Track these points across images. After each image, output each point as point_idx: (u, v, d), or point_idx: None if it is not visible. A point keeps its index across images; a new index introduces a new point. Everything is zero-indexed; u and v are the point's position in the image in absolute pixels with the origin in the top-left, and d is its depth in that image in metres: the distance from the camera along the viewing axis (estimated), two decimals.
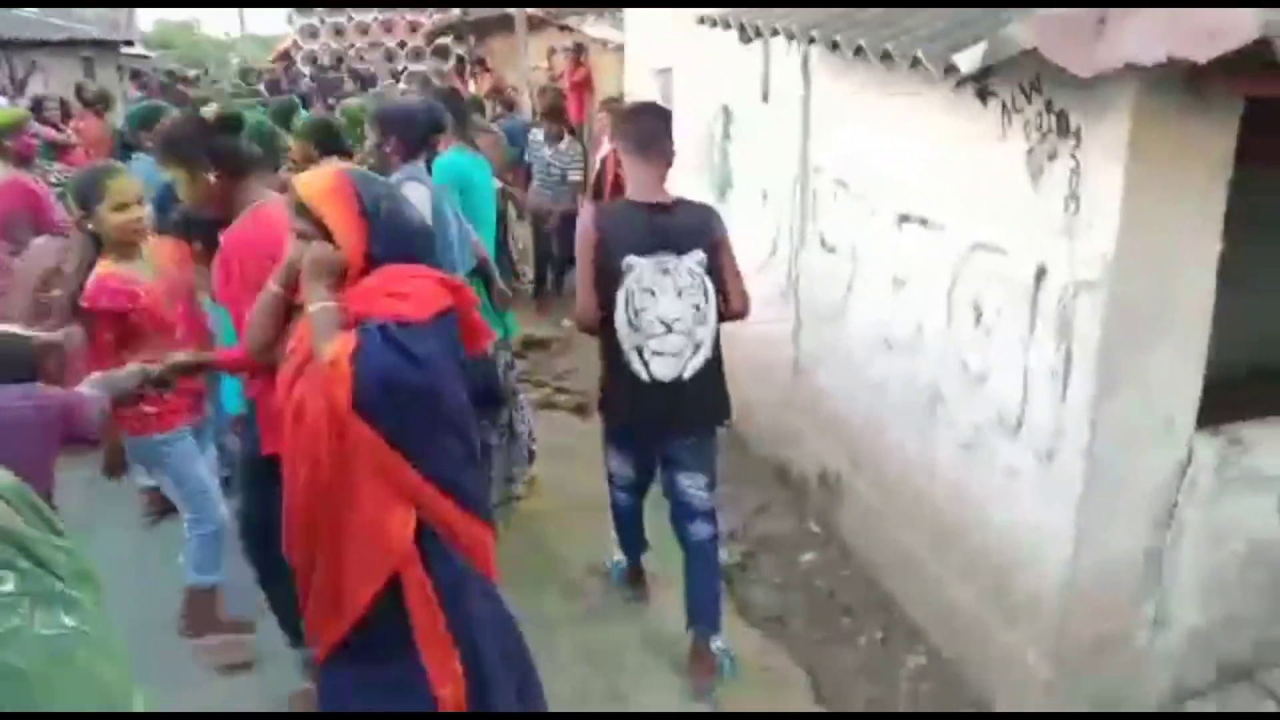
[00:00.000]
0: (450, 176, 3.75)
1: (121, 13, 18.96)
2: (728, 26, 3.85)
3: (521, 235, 7.94)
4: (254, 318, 2.21)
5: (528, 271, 8.34)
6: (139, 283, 2.91)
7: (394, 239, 2.04)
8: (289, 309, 2.16)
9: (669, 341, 2.89)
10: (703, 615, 3.10)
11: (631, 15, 7.35)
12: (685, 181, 5.40)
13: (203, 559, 3.19)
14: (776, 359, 4.46)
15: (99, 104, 7.87)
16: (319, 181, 2.07)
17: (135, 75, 14.30)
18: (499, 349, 3.87)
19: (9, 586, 1.35)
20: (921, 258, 3.19)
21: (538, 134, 7.44)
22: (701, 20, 4.16)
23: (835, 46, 2.95)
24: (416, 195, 3.20)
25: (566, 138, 7.33)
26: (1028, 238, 2.67)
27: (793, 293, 4.25)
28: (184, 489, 3.13)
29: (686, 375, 2.92)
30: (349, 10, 19.60)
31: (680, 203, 2.98)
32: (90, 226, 2.91)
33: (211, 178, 2.67)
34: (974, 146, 2.86)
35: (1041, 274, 2.63)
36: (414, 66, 18.71)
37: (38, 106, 7.43)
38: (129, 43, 16.92)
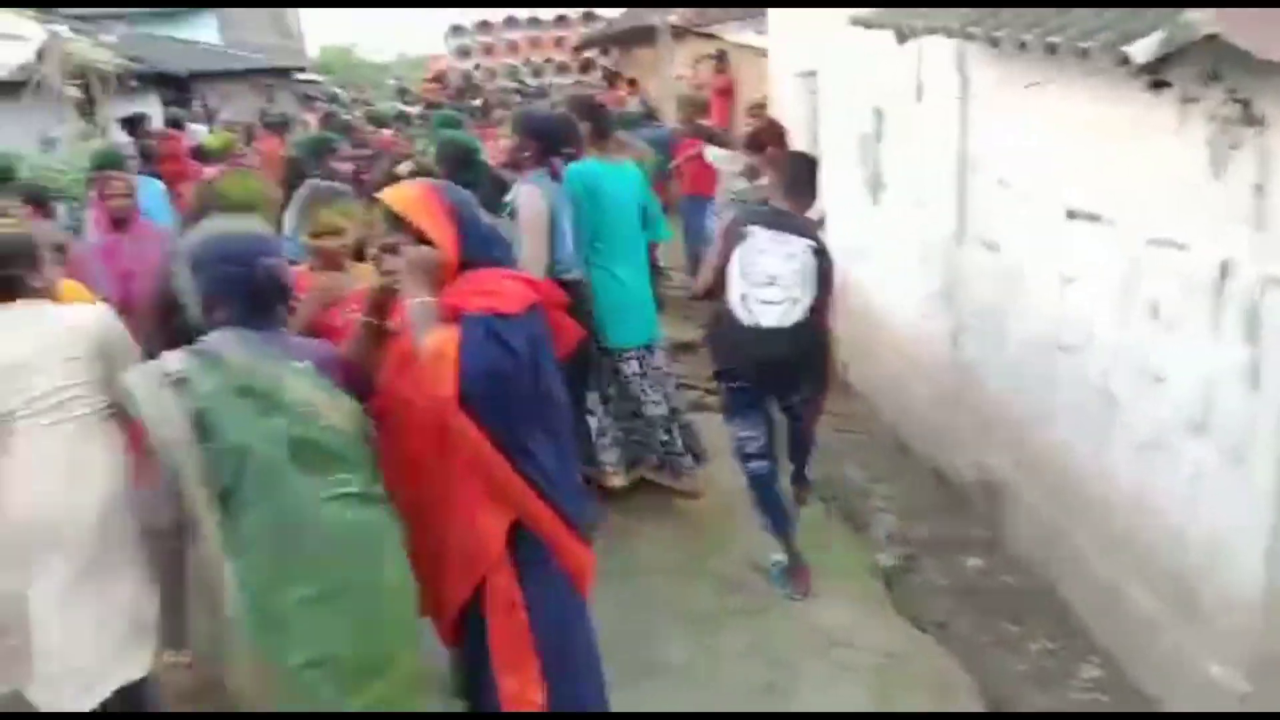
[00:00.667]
0: (577, 182, 3.90)
1: (294, 40, 20.38)
2: (882, 27, 3.84)
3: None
4: (352, 350, 2.17)
5: (674, 276, 8.50)
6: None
7: (481, 242, 2.11)
8: (382, 335, 2.15)
9: (771, 291, 3.31)
10: (800, 472, 3.77)
11: (775, 20, 7.37)
12: (836, 185, 5.41)
13: None
14: (936, 360, 4.40)
15: (280, 127, 8.56)
16: (408, 192, 2.12)
17: (308, 99, 15.42)
18: (619, 352, 4.04)
19: (353, 488, 1.93)
20: (1091, 255, 3.10)
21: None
22: (854, 22, 4.16)
23: (996, 43, 2.92)
24: (526, 194, 3.64)
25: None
26: (1209, 232, 2.56)
27: (953, 294, 4.18)
28: None
29: (787, 324, 3.29)
30: (498, 30, 20.41)
31: (804, 220, 3.54)
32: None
33: None
34: (1147, 138, 2.77)
35: (1226, 269, 2.52)
36: (559, 80, 19.32)
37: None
38: (301, 69, 18.20)
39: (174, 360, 1.91)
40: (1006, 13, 3.04)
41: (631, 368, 4.09)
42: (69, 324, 2.36)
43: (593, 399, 4.08)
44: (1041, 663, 3.13)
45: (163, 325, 2.17)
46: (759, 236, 3.34)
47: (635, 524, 4.06)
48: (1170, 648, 2.83)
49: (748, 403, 3.52)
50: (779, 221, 3.40)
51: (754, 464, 3.55)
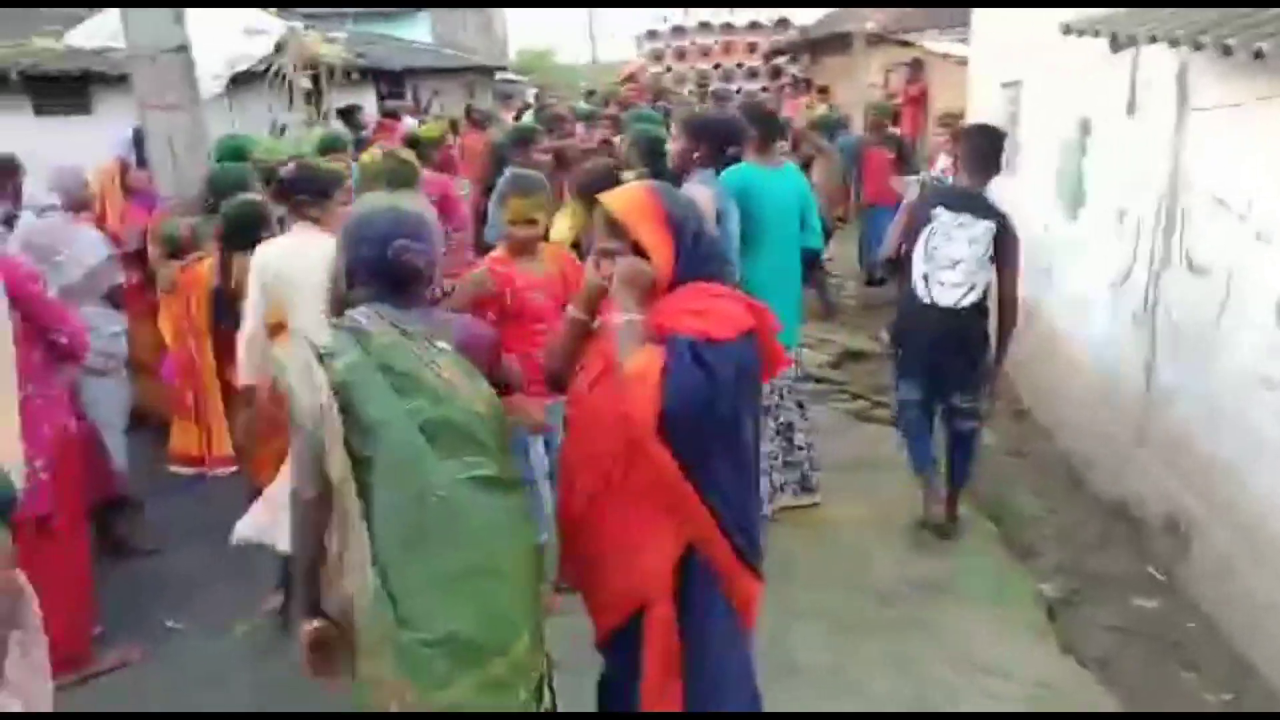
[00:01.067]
0: (733, 184, 3.82)
1: (497, 42, 21.45)
2: (1096, 35, 3.66)
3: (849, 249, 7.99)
4: (556, 342, 2.17)
5: (848, 285, 8.38)
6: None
7: (699, 256, 1.99)
8: (588, 333, 2.12)
9: (952, 275, 3.66)
10: (957, 475, 3.96)
11: (979, 28, 7.13)
12: (1034, 198, 5.19)
13: None
14: (1124, 388, 4.15)
15: (485, 122, 9.04)
16: (630, 197, 2.03)
17: (506, 98, 16.17)
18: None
19: (489, 470, 1.93)
20: None
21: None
22: (1068, 30, 3.98)
23: (1228, 51, 2.74)
24: (699, 195, 3.39)
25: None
26: None
27: (1150, 318, 3.94)
28: None
29: (961, 305, 3.64)
30: (691, 35, 20.66)
31: (987, 198, 3.78)
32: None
33: None
34: None
35: None
36: (749, 85, 19.37)
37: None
38: (503, 68, 19.12)
39: (322, 334, 1.94)
40: (1236, 19, 2.84)
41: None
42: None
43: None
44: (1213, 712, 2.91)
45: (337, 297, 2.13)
46: (944, 219, 3.68)
47: (790, 529, 4.05)
48: None
49: (915, 371, 3.91)
50: (963, 203, 3.69)
51: (908, 412, 3.99)
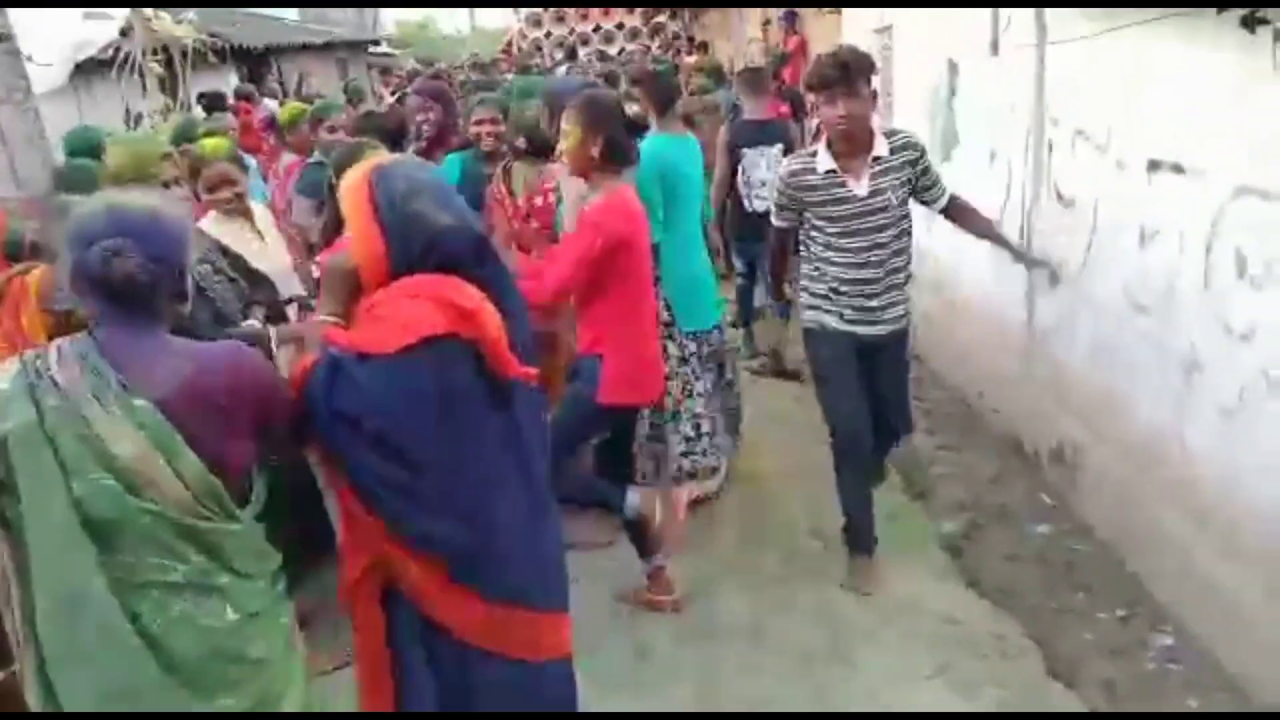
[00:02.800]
0: (652, 159, 3.51)
1: (368, 15, 20.65)
2: None
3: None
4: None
5: None
6: None
7: (413, 245, 1.76)
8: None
9: (765, 193, 4.72)
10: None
11: None
12: None
13: None
14: (1009, 325, 4.25)
15: (356, 99, 8.70)
16: (347, 185, 1.83)
17: (385, 71, 15.62)
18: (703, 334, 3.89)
19: (176, 577, 1.54)
20: (1175, 208, 2.93)
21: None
22: None
23: None
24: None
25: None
26: None
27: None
28: None
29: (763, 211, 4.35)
30: None
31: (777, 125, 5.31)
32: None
33: None
34: (1240, 82, 2.60)
35: None
36: (630, 46, 19.17)
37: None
38: (376, 42, 18.45)
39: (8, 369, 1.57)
40: None
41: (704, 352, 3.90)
42: None
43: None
44: (1110, 631, 3.02)
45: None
46: (749, 155, 5.09)
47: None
48: (1253, 621, 2.70)
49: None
50: (756, 136, 5.11)
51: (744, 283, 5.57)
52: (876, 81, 3.17)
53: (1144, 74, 3.05)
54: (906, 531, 3.70)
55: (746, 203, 5.14)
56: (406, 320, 1.69)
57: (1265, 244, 2.56)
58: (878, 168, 3.12)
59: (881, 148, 3.13)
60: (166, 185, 3.10)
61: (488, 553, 1.82)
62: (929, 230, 5.13)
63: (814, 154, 3.18)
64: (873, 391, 3.31)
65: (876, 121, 3.22)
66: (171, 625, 1.55)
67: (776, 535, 3.76)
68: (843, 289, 3.21)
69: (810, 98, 4.67)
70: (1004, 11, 4.07)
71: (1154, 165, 3.03)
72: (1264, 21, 2.44)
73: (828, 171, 3.13)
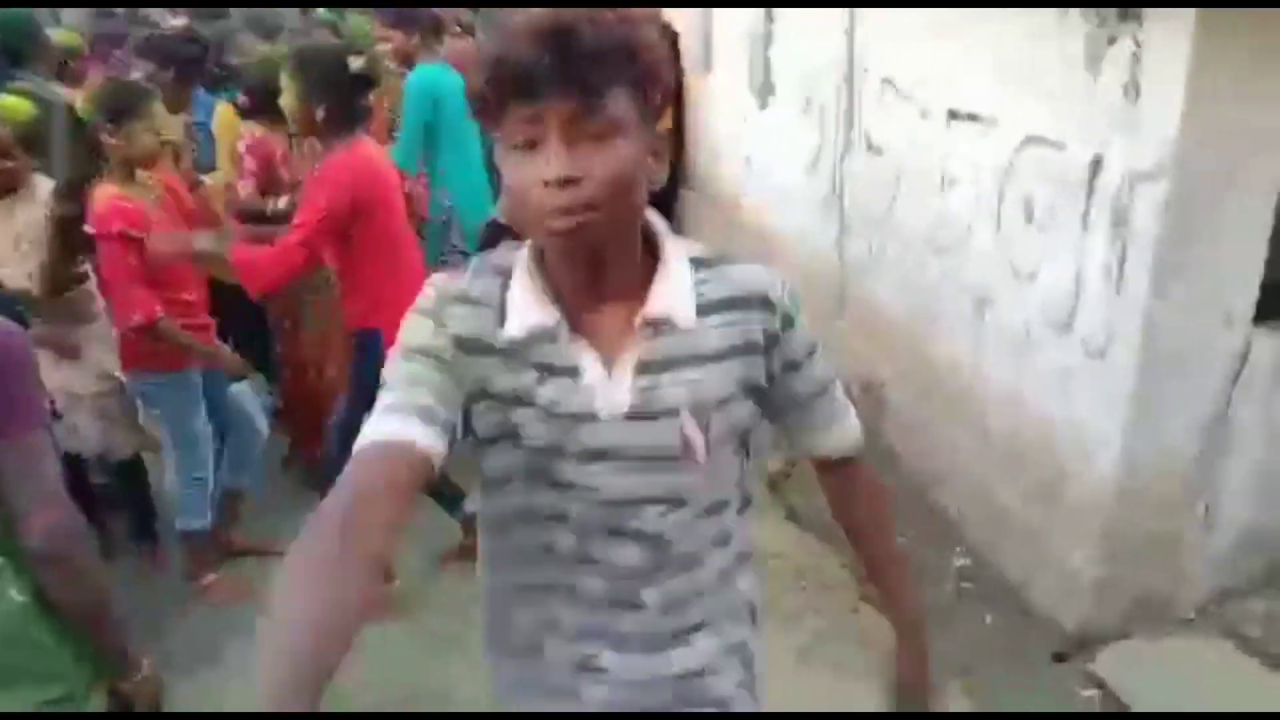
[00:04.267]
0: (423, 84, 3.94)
1: None
2: None
3: None
4: None
5: None
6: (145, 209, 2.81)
7: None
8: None
9: None
10: None
11: None
12: (730, 91, 5.30)
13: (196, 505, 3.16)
14: (821, 267, 4.41)
15: None
16: None
17: None
18: None
19: None
20: (971, 156, 3.10)
21: None
22: None
23: None
24: None
25: None
26: (1083, 129, 2.58)
27: (837, 199, 4.17)
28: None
29: None
30: None
31: None
32: (110, 140, 2.75)
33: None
34: (1029, 35, 2.75)
35: (1097, 166, 2.55)
36: None
37: None
38: None
39: None
40: None
41: None
42: None
43: None
44: (914, 557, 3.23)
45: None
46: None
47: None
48: (1035, 539, 2.96)
49: None
50: None
51: None
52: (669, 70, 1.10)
53: (943, 26, 3.18)
54: None
55: None
56: None
57: (1048, 190, 2.75)
58: (658, 346, 1.12)
59: (674, 288, 1.12)
60: None
61: None
62: (749, 169, 5.23)
63: (501, 277, 1.14)
64: None
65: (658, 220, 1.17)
66: None
67: None
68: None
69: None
70: None
71: (953, 115, 3.18)
72: None
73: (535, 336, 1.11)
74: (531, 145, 0.98)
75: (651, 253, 1.12)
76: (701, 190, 6.79)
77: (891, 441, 3.83)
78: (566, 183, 0.96)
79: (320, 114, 2.63)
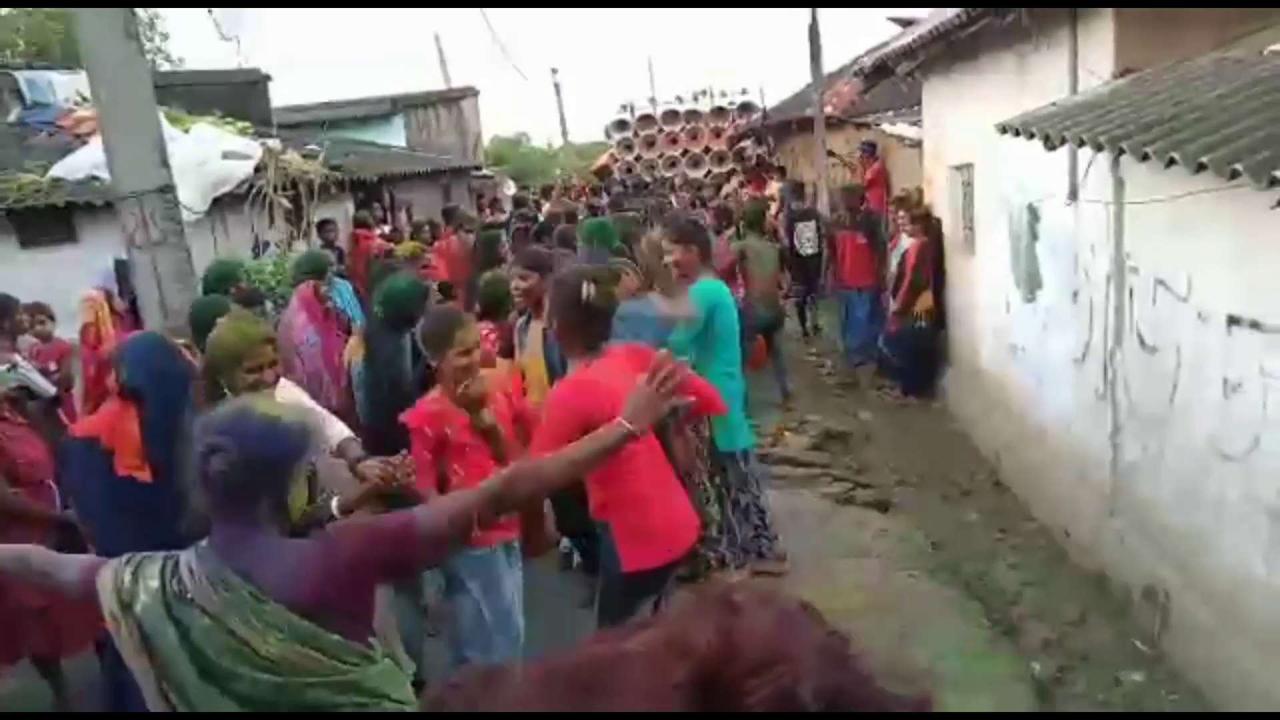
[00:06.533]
0: (708, 295, 4.05)
1: (470, 138, 21.95)
2: (1031, 136, 3.90)
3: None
4: None
5: (826, 363, 8.59)
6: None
7: None
8: None
9: None
10: None
11: (929, 112, 7.48)
12: (993, 280, 5.41)
13: None
14: (1091, 462, 4.29)
15: (462, 224, 9.25)
16: None
17: (479, 195, 16.59)
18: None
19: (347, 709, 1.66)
20: (1255, 362, 3.02)
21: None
22: (1004, 130, 4.23)
23: (1146, 158, 2.95)
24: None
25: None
26: None
27: (1110, 394, 4.10)
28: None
29: None
30: (659, 123, 21.23)
31: None
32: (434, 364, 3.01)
33: None
34: None
35: None
36: (717, 169, 19.89)
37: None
38: (477, 167, 19.57)
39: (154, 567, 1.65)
40: (1164, 122, 3.05)
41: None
42: None
43: None
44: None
45: None
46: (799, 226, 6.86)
47: None
48: None
49: None
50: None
51: None
52: None
53: (1218, 233, 3.18)
54: (993, 668, 3.69)
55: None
56: None
57: None
58: None
59: None
60: (261, 368, 2.84)
61: None
62: (1014, 356, 5.23)
63: None
64: None
65: None
66: None
67: None
68: None
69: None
70: (1082, 158, 4.25)
71: (1233, 320, 3.13)
72: None
73: None
74: None
75: None
76: (960, 367, 6.79)
77: (1176, 652, 3.57)
78: None
79: (565, 335, 3.01)
